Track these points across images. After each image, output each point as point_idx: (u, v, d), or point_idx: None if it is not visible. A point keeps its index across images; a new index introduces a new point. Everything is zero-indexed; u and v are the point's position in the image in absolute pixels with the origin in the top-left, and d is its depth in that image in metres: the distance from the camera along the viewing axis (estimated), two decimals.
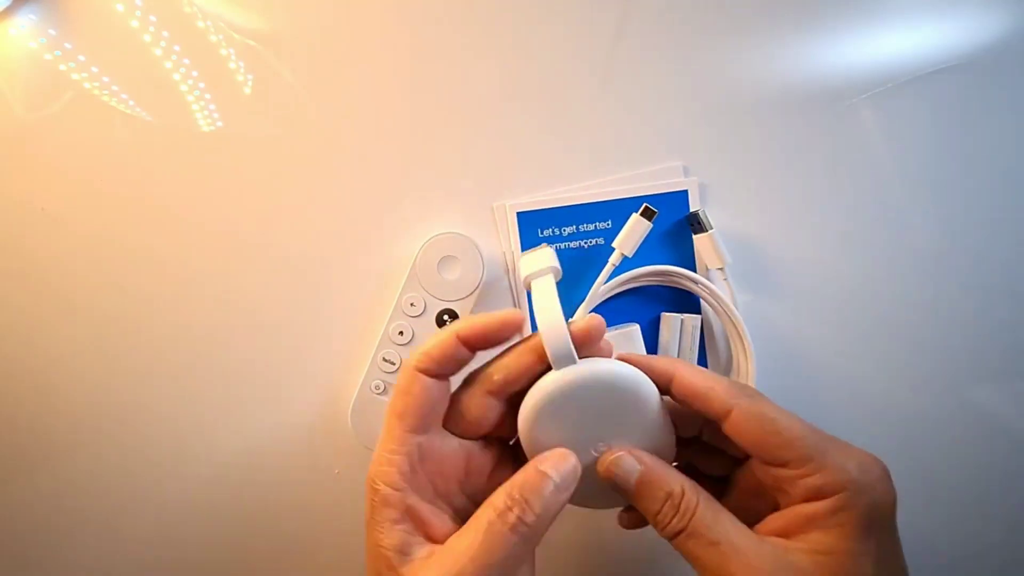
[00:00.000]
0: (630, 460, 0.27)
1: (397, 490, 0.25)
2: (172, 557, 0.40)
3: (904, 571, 0.26)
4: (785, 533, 0.25)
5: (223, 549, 0.40)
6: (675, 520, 0.25)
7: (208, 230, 0.39)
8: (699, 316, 0.39)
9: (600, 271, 0.38)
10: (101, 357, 0.39)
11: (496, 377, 0.27)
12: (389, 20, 0.38)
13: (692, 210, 0.38)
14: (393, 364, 0.38)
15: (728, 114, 0.39)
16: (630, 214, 0.38)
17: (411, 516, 0.25)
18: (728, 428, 0.26)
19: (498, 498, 0.24)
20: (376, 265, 0.39)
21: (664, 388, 0.27)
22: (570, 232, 0.39)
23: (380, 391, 0.38)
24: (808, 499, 0.25)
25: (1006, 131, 0.39)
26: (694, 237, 0.38)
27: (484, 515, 0.24)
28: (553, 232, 0.39)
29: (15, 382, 0.39)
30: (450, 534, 0.25)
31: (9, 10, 0.37)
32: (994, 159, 0.39)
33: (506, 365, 0.27)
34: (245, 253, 0.39)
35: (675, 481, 0.26)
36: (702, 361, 0.40)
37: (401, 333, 0.38)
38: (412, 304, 0.38)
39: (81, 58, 0.37)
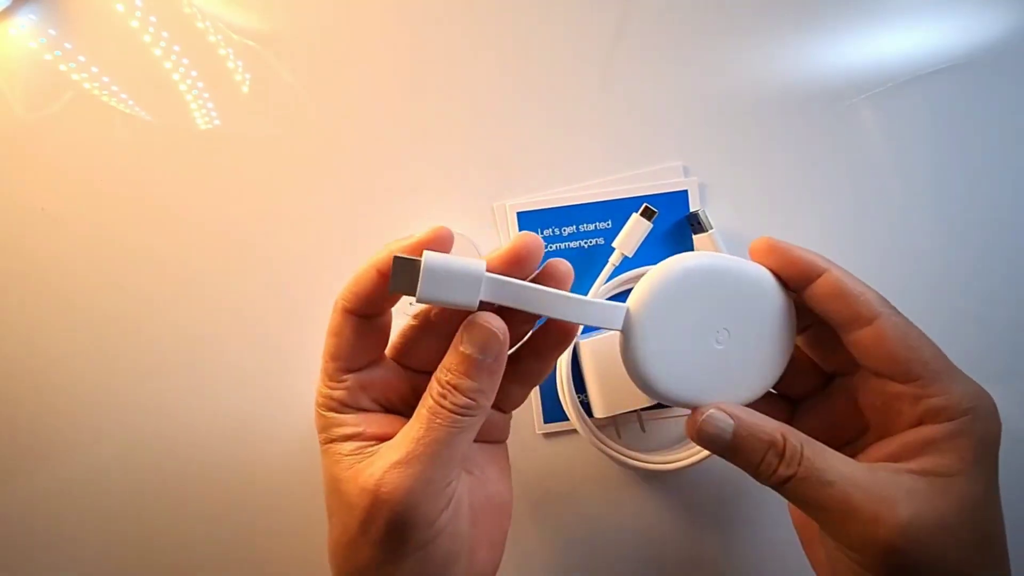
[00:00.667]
0: (721, 416, 0.25)
1: (340, 412, 0.27)
2: (172, 556, 0.40)
3: (1000, 504, 0.25)
4: (896, 457, 0.25)
5: (222, 549, 0.40)
6: (782, 468, 0.24)
7: (208, 230, 0.39)
8: None
9: (600, 271, 0.38)
10: (101, 357, 0.39)
11: (434, 317, 0.28)
12: (388, 20, 0.38)
13: (692, 210, 0.38)
14: None
15: (728, 114, 0.39)
16: (630, 214, 0.38)
17: (361, 429, 0.26)
18: (866, 337, 0.26)
19: (432, 387, 0.25)
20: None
21: (803, 282, 0.27)
22: (570, 232, 0.39)
23: None
24: (926, 421, 0.25)
25: (1006, 131, 0.39)
26: (694, 237, 0.38)
27: (425, 403, 0.25)
28: (553, 232, 0.39)
29: (14, 382, 0.39)
30: (385, 435, 0.26)
31: (9, 10, 0.37)
32: (994, 159, 0.39)
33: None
34: (245, 252, 0.39)
35: (773, 429, 0.25)
36: None
37: None
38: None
39: (81, 58, 0.37)
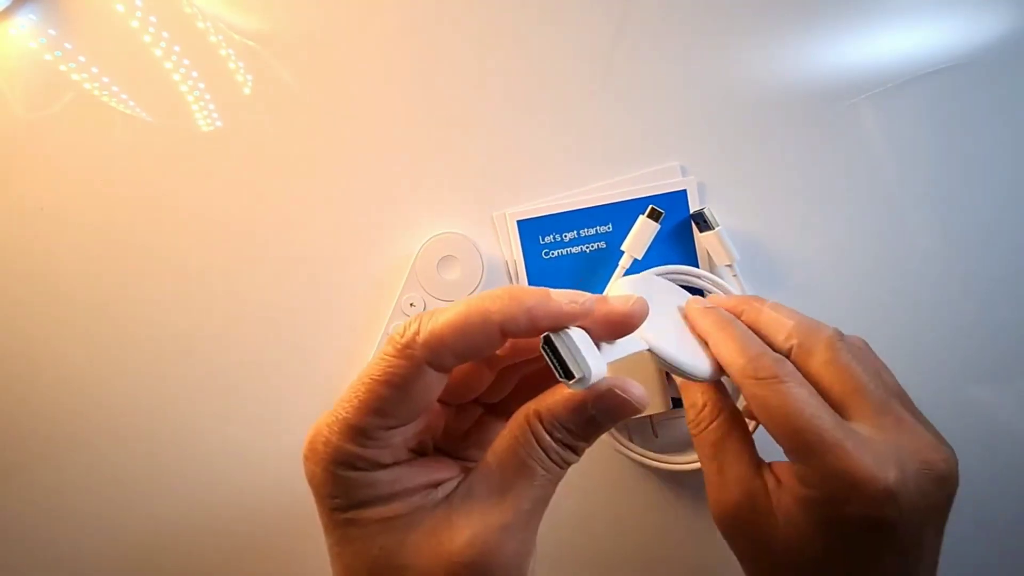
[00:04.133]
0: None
1: (369, 471, 0.21)
2: (171, 556, 0.40)
3: None
4: (779, 479, 0.27)
5: (221, 549, 0.40)
6: (690, 425, 0.30)
7: (208, 230, 0.39)
8: None
9: (603, 275, 0.38)
10: (101, 356, 0.39)
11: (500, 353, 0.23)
12: (389, 22, 0.38)
13: (698, 208, 0.38)
14: None
15: (726, 114, 0.39)
16: (631, 216, 0.38)
17: (403, 487, 0.21)
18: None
19: (539, 437, 0.21)
20: (376, 266, 0.39)
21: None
22: (571, 238, 0.39)
23: None
24: (795, 476, 0.26)
25: (1006, 131, 0.39)
26: (700, 235, 0.38)
27: (527, 454, 0.21)
28: (554, 239, 0.39)
29: (14, 381, 0.39)
30: (443, 475, 0.22)
31: (9, 10, 0.37)
32: (994, 159, 0.39)
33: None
34: (245, 253, 0.39)
35: (701, 394, 0.29)
36: None
37: None
38: (412, 304, 0.38)
39: (81, 58, 0.37)
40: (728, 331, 0.28)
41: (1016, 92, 0.39)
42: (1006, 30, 0.39)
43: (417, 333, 0.20)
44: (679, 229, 0.39)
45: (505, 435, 0.22)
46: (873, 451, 0.24)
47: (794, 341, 0.28)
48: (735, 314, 0.30)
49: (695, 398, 0.30)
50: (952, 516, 0.41)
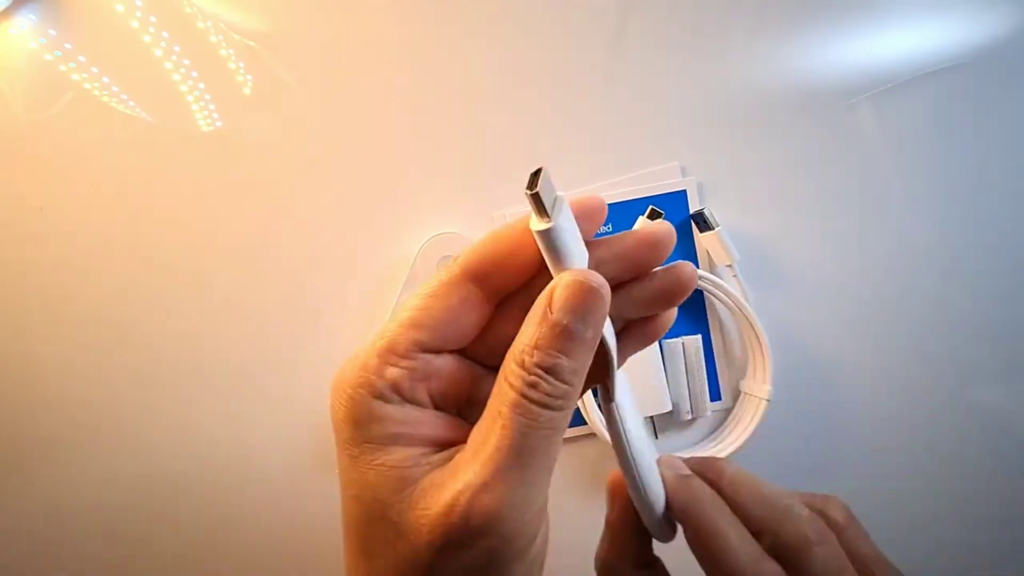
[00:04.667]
0: (608, 494, 0.25)
1: (388, 402, 0.20)
2: (171, 556, 0.40)
3: None
4: None
5: (221, 549, 0.40)
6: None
7: (208, 230, 0.39)
8: (698, 336, 0.39)
9: None
10: (101, 356, 0.39)
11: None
12: (389, 23, 0.38)
13: (698, 208, 0.38)
14: None
15: (726, 114, 0.39)
16: (631, 216, 0.38)
17: (410, 430, 0.20)
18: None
19: (510, 371, 0.19)
20: (376, 266, 0.39)
21: None
22: None
23: None
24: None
25: (1007, 131, 0.39)
26: (700, 236, 0.38)
27: (506, 397, 0.19)
28: None
29: (13, 382, 0.39)
30: (456, 437, 0.20)
31: (9, 10, 0.37)
32: (995, 158, 0.39)
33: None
34: (245, 252, 0.39)
35: (616, 546, 0.26)
36: (711, 377, 0.40)
37: None
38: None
39: (81, 58, 0.37)
40: (720, 517, 0.23)
41: (1016, 92, 0.39)
42: (1006, 30, 0.39)
43: (457, 258, 0.20)
44: (679, 229, 0.39)
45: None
46: None
47: (773, 538, 0.23)
48: (701, 478, 0.25)
49: (608, 546, 0.26)
50: (952, 516, 0.41)
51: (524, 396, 0.19)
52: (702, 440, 0.40)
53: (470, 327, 0.21)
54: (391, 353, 0.20)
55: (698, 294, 0.39)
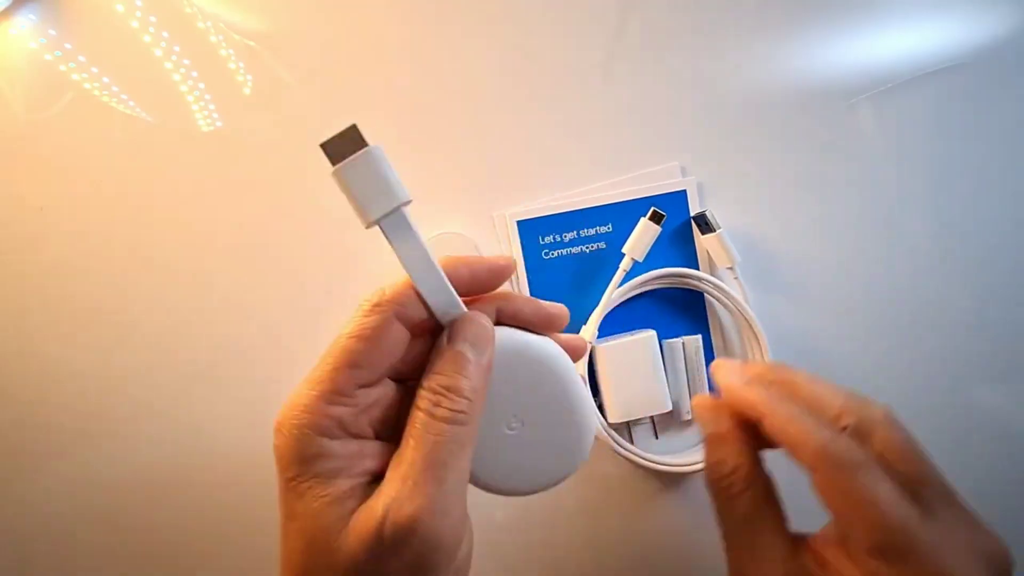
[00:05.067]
0: (712, 414, 0.27)
1: (332, 438, 0.22)
2: (172, 556, 0.40)
3: None
4: (821, 562, 0.25)
5: (222, 549, 0.40)
6: (713, 484, 0.26)
7: (208, 230, 0.39)
8: (699, 336, 0.39)
9: (603, 276, 0.38)
10: (101, 356, 0.39)
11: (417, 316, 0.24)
12: (389, 23, 0.38)
13: (700, 210, 0.38)
14: None
15: (726, 114, 0.39)
16: (631, 216, 0.38)
17: (355, 463, 0.22)
18: (813, 484, 0.24)
19: (422, 398, 0.22)
20: (376, 266, 0.39)
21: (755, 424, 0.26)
22: (571, 238, 0.39)
23: None
24: (860, 570, 0.23)
25: (1007, 131, 0.39)
26: (701, 237, 0.38)
27: (416, 419, 0.22)
28: (554, 239, 0.39)
29: (13, 382, 0.39)
30: (382, 463, 0.22)
31: (9, 10, 0.37)
32: (994, 158, 0.39)
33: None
34: (245, 252, 0.39)
35: (732, 456, 0.26)
36: (711, 377, 0.39)
37: None
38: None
39: (81, 59, 0.37)
40: (788, 408, 0.25)
41: (1016, 92, 0.39)
42: (1006, 30, 0.39)
43: (384, 292, 0.23)
44: (680, 230, 0.39)
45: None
46: (958, 553, 0.23)
47: (850, 421, 0.26)
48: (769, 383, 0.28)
49: (723, 456, 0.26)
50: None
51: (430, 415, 0.22)
52: (700, 442, 0.40)
53: (399, 355, 0.23)
54: (334, 394, 0.22)
55: (698, 295, 0.39)
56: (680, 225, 0.39)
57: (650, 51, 0.39)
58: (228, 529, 0.40)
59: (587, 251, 0.39)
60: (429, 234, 0.38)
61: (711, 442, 0.27)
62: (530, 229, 0.39)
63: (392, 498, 0.20)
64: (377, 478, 0.22)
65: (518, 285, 0.39)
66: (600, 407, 0.38)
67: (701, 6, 0.38)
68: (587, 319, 0.37)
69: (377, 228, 0.24)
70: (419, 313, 0.23)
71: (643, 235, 0.37)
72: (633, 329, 0.39)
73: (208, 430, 0.40)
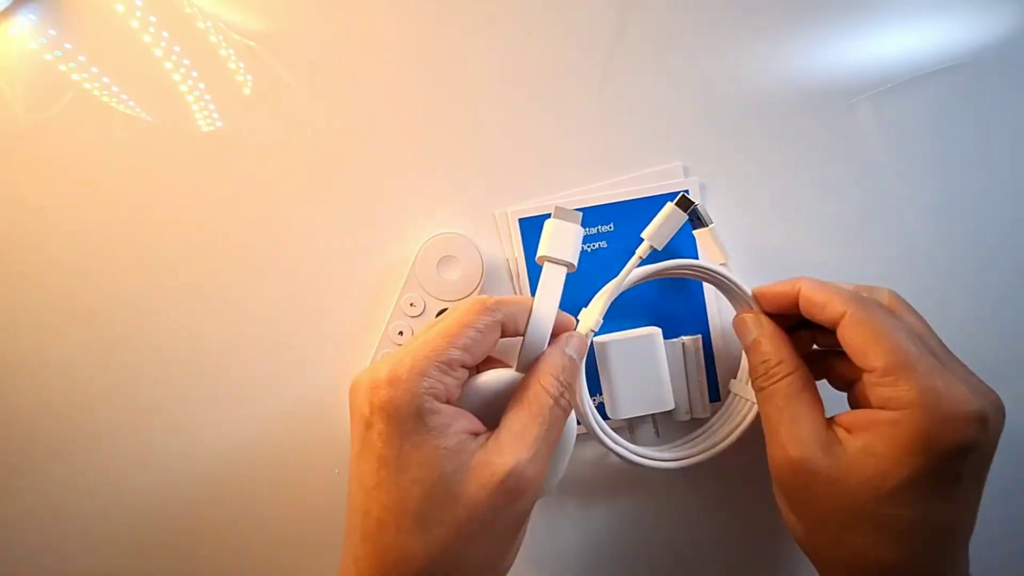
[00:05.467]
0: (754, 320, 0.34)
1: (442, 402, 0.27)
2: (172, 556, 0.40)
3: (960, 523, 0.28)
4: (848, 428, 0.29)
5: (223, 548, 0.40)
6: (760, 379, 0.32)
7: (209, 230, 0.39)
8: (699, 336, 0.39)
9: (603, 275, 0.38)
10: (101, 356, 0.39)
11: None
12: (390, 22, 0.38)
13: (691, 204, 0.36)
14: None
15: (727, 113, 0.39)
16: (632, 216, 0.38)
17: (459, 424, 0.27)
18: (838, 332, 0.30)
19: (549, 383, 0.28)
20: (376, 266, 0.39)
21: (792, 305, 0.33)
22: None
23: None
24: (878, 406, 0.28)
25: (1007, 131, 0.39)
26: (694, 232, 0.38)
27: (541, 399, 0.28)
28: None
29: (13, 382, 0.39)
30: (476, 428, 0.28)
31: (9, 10, 0.37)
32: (995, 159, 0.39)
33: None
34: (246, 252, 0.39)
35: (775, 352, 0.32)
36: (711, 376, 0.39)
37: (401, 333, 0.38)
38: (412, 304, 0.38)
39: (81, 59, 0.37)
40: (820, 281, 0.32)
41: (1016, 92, 0.39)
42: (1007, 30, 0.39)
43: (498, 301, 0.29)
44: (682, 229, 0.39)
45: (520, 395, 0.29)
46: (965, 379, 0.28)
47: (865, 293, 0.32)
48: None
49: (767, 354, 0.32)
50: None
51: (556, 402, 0.28)
52: (694, 438, 0.39)
53: (488, 353, 0.30)
54: (447, 365, 0.27)
55: (697, 293, 0.39)
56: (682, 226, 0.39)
57: (650, 51, 0.39)
58: (228, 529, 0.40)
59: (588, 250, 0.39)
60: (430, 233, 0.38)
61: (754, 346, 0.33)
62: (532, 227, 0.39)
63: (518, 459, 0.26)
64: (472, 436, 0.27)
65: (519, 283, 0.39)
66: (599, 404, 0.38)
67: (701, 6, 0.38)
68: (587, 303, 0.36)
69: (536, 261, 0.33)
70: (515, 326, 0.30)
71: (667, 221, 0.35)
72: (630, 326, 0.38)
73: (208, 430, 0.40)
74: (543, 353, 0.30)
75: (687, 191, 0.39)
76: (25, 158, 0.38)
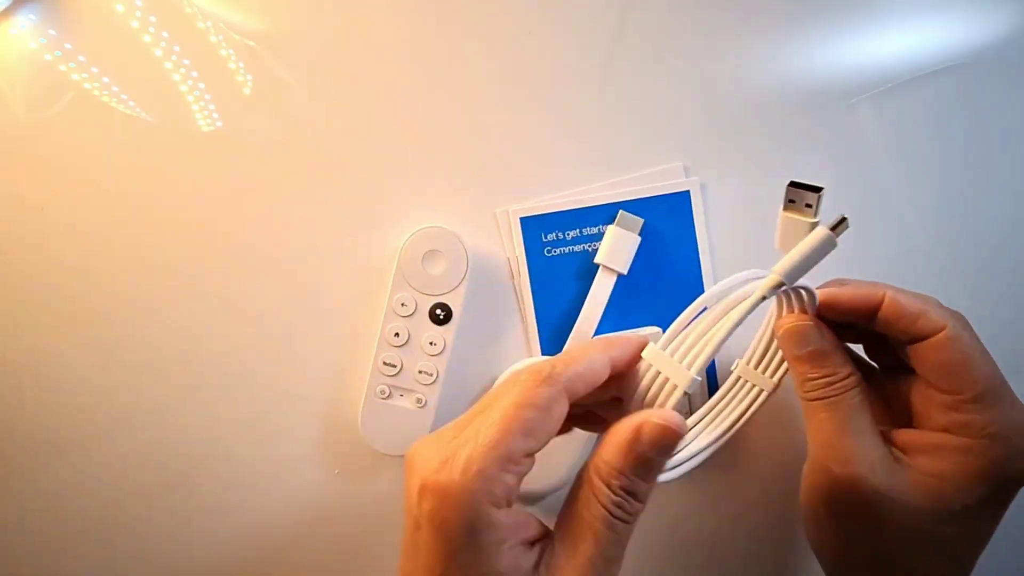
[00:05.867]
0: (816, 331, 0.29)
1: (500, 508, 0.22)
2: (172, 556, 0.40)
3: (987, 538, 0.28)
4: (904, 448, 0.28)
5: (223, 548, 0.40)
6: (820, 389, 0.29)
7: (209, 230, 0.39)
8: None
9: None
10: (101, 357, 0.39)
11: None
12: (390, 22, 0.38)
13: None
14: (394, 367, 0.38)
15: (728, 114, 0.39)
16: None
17: (511, 535, 0.23)
18: (924, 348, 0.28)
19: (604, 496, 0.23)
20: (376, 266, 0.39)
21: (869, 314, 0.29)
22: (573, 236, 0.39)
23: (385, 396, 0.38)
24: (944, 429, 0.27)
25: (1007, 131, 0.39)
26: (782, 213, 0.33)
27: (592, 509, 0.23)
28: (556, 236, 0.39)
29: (13, 382, 0.39)
30: (538, 533, 0.24)
31: (9, 10, 0.37)
32: (995, 159, 0.39)
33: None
34: (246, 253, 0.39)
35: (844, 364, 0.29)
36: (711, 378, 0.39)
37: (397, 335, 0.38)
38: (403, 304, 0.37)
39: (81, 58, 0.37)
40: (903, 290, 0.30)
41: (1016, 92, 0.39)
42: (1006, 30, 0.39)
43: (554, 367, 0.24)
44: (682, 231, 0.39)
45: (571, 496, 0.24)
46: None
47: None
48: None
49: (837, 368, 0.29)
50: None
51: (611, 513, 0.23)
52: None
53: (559, 426, 0.24)
54: (508, 461, 0.22)
55: (698, 289, 0.39)
56: (680, 225, 0.39)
57: (650, 51, 0.39)
58: (228, 529, 0.40)
59: (589, 249, 0.39)
60: (411, 229, 0.37)
61: (813, 357, 0.29)
62: (533, 226, 0.39)
63: None
64: (529, 546, 0.23)
65: (519, 283, 0.39)
66: None
67: (701, 6, 0.38)
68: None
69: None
70: (584, 390, 0.24)
71: (818, 251, 0.28)
72: (630, 325, 0.39)
73: (208, 430, 0.40)
74: (603, 441, 0.24)
75: (688, 192, 0.38)
76: (25, 158, 0.38)
